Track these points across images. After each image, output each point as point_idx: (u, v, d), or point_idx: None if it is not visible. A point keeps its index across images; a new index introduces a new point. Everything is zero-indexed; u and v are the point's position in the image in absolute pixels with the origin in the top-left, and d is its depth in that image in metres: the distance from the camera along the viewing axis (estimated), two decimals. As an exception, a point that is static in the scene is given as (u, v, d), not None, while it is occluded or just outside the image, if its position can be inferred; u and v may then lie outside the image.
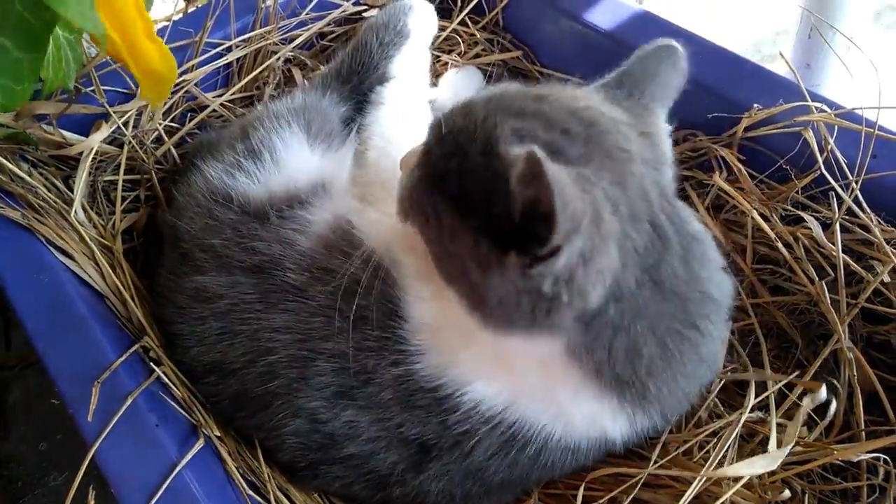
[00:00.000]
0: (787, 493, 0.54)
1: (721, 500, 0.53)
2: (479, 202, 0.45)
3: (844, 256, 0.64)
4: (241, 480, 0.55)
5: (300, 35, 0.93)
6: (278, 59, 0.90)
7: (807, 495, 0.57)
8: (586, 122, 0.47)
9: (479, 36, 0.97)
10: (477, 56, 0.96)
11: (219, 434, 0.57)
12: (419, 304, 0.54)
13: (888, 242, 0.64)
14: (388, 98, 0.73)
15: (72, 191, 0.70)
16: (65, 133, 0.74)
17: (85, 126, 0.76)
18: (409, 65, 0.77)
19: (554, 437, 0.52)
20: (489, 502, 0.58)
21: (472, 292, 0.47)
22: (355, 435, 0.53)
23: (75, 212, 0.67)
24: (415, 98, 0.76)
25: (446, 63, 0.95)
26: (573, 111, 0.47)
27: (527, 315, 0.45)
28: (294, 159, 0.65)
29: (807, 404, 0.55)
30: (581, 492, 0.56)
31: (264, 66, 0.90)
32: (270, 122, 0.66)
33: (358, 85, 0.74)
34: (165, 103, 0.82)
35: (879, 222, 0.66)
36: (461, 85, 0.91)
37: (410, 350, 0.52)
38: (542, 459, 0.53)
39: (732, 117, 0.74)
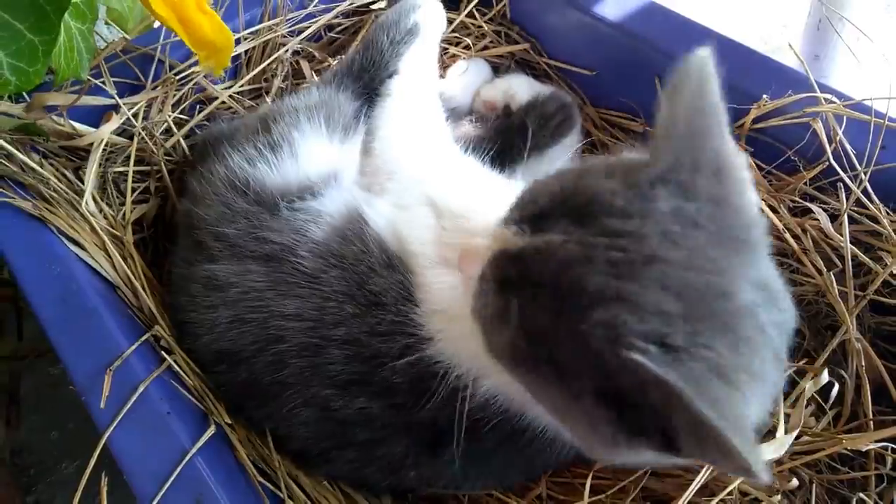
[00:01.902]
0: (794, 482, 0.54)
1: (728, 489, 0.53)
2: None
3: (852, 247, 0.64)
4: (252, 468, 0.56)
5: (308, 27, 0.93)
6: (286, 51, 0.91)
7: (814, 484, 0.57)
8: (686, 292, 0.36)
9: (486, 28, 0.97)
10: (485, 48, 0.96)
11: (230, 422, 0.57)
12: (435, 290, 0.54)
13: (897, 233, 0.64)
14: (396, 90, 0.74)
15: (82, 182, 0.70)
16: (75, 124, 0.74)
17: (95, 117, 0.77)
18: (418, 60, 0.77)
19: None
20: (494, 480, 0.58)
21: (590, 440, 0.43)
22: (368, 421, 0.54)
23: (86, 202, 0.68)
24: (424, 91, 0.76)
25: (454, 55, 0.95)
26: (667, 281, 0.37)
27: (648, 454, 0.40)
28: (312, 152, 0.65)
29: (810, 387, 0.55)
30: (589, 481, 0.56)
31: (272, 58, 0.90)
32: (290, 116, 0.67)
33: (369, 82, 0.74)
34: (174, 94, 0.82)
35: (888, 213, 0.66)
36: (469, 77, 0.91)
37: (423, 335, 0.53)
38: (551, 451, 0.54)
39: (741, 108, 0.74)
